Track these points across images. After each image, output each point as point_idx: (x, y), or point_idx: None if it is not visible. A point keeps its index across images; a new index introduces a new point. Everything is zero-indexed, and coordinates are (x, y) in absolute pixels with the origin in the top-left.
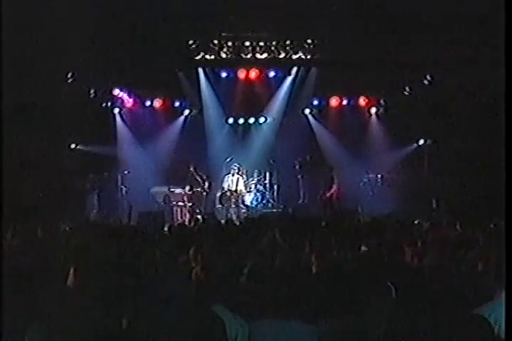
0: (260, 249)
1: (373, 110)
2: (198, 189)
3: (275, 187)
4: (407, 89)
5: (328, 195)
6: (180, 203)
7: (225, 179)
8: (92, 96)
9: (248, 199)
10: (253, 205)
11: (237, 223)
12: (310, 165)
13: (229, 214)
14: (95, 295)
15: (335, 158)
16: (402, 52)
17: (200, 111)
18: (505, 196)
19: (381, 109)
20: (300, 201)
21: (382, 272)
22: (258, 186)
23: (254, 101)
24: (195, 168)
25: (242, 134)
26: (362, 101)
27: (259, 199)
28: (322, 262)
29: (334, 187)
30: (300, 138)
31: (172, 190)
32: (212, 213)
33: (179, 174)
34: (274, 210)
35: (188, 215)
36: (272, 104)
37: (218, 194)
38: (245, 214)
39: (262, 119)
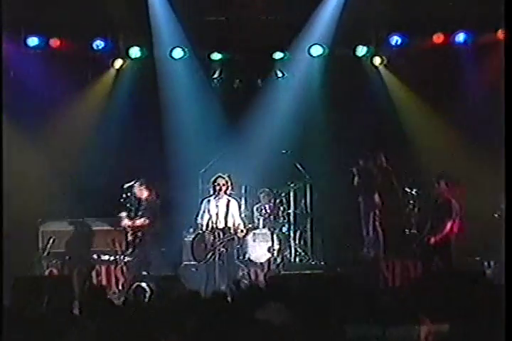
0: None
1: None
2: (144, 225)
3: (308, 221)
4: None
5: (438, 237)
6: (106, 256)
7: (204, 206)
8: None
9: (253, 247)
10: (263, 260)
11: (230, 299)
12: (384, 173)
13: (212, 282)
14: None
15: (437, 158)
16: None
17: (147, 59)
18: (505, 195)
19: None
20: (364, 250)
21: None
22: (272, 220)
23: (262, 37)
24: (137, 182)
25: (237, 107)
26: (501, 34)
27: (277, 249)
28: None
29: (450, 224)
30: (361, 114)
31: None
32: (175, 277)
33: (104, 194)
34: (308, 271)
35: (122, 281)
36: (299, 43)
37: (189, 237)
38: (248, 280)
39: (278, 74)
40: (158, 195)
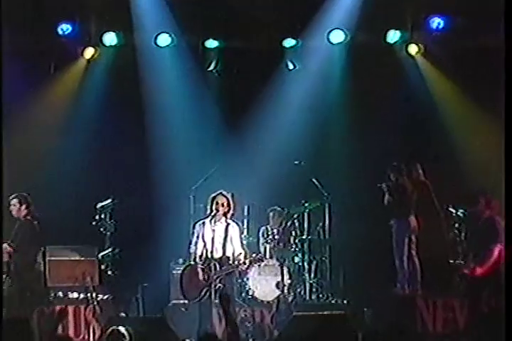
0: None
1: None
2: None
3: (326, 249)
4: None
5: (486, 267)
6: (74, 294)
7: (197, 231)
8: None
9: (258, 282)
10: (270, 299)
11: None
12: (421, 189)
13: (207, 326)
14: None
15: (488, 168)
16: None
17: (126, 47)
18: (505, 196)
19: None
20: (397, 285)
21: None
22: (281, 249)
23: (269, 20)
24: (14, 197)
25: (237, 107)
26: None
27: (288, 284)
28: None
29: (499, 249)
30: (392, 115)
31: (53, 257)
32: (161, 320)
33: (73, 217)
34: (326, 312)
35: (94, 325)
36: (315, 28)
37: (178, 269)
38: (252, 323)
39: (289, 66)
40: (36, 215)
